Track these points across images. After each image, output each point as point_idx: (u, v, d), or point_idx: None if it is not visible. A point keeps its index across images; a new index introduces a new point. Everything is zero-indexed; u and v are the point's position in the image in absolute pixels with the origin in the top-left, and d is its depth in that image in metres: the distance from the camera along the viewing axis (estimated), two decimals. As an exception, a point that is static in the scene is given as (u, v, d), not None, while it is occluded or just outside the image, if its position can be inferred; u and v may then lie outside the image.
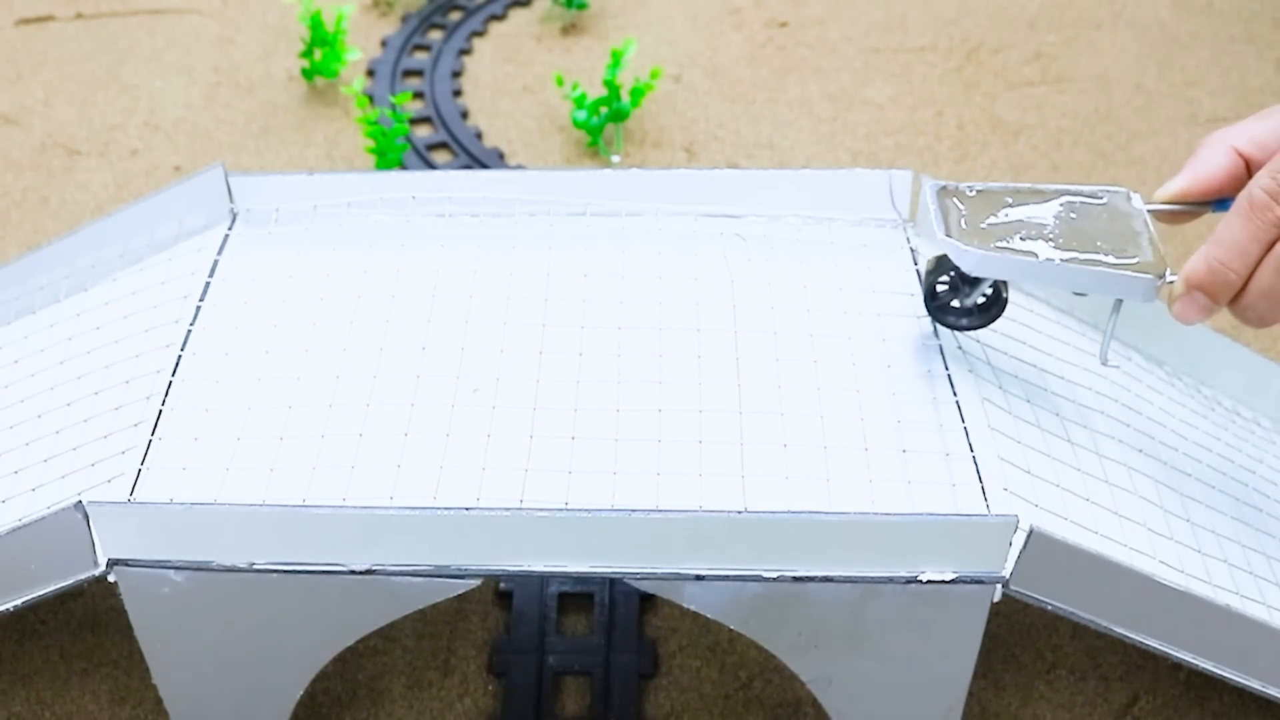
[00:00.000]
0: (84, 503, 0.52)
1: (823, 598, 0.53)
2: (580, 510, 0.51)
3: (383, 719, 0.67)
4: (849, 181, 0.69)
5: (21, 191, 1.04)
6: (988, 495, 0.54)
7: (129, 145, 1.09)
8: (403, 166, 1.04)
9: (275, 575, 0.53)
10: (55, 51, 1.21)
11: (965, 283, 0.60)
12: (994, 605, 0.53)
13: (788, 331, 0.61)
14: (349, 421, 0.57)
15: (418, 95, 1.15)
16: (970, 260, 0.57)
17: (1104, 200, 0.59)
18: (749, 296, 0.63)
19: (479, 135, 1.09)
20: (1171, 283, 0.55)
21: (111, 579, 0.53)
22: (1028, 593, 0.52)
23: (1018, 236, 0.57)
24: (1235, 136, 0.56)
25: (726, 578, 0.52)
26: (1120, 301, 0.58)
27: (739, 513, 0.51)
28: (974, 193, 0.59)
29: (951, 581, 0.52)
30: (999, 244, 0.57)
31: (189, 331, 0.62)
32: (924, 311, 0.63)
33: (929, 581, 0.52)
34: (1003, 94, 1.14)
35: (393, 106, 1.07)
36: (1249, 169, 0.55)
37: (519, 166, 1.06)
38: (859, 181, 0.69)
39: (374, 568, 0.53)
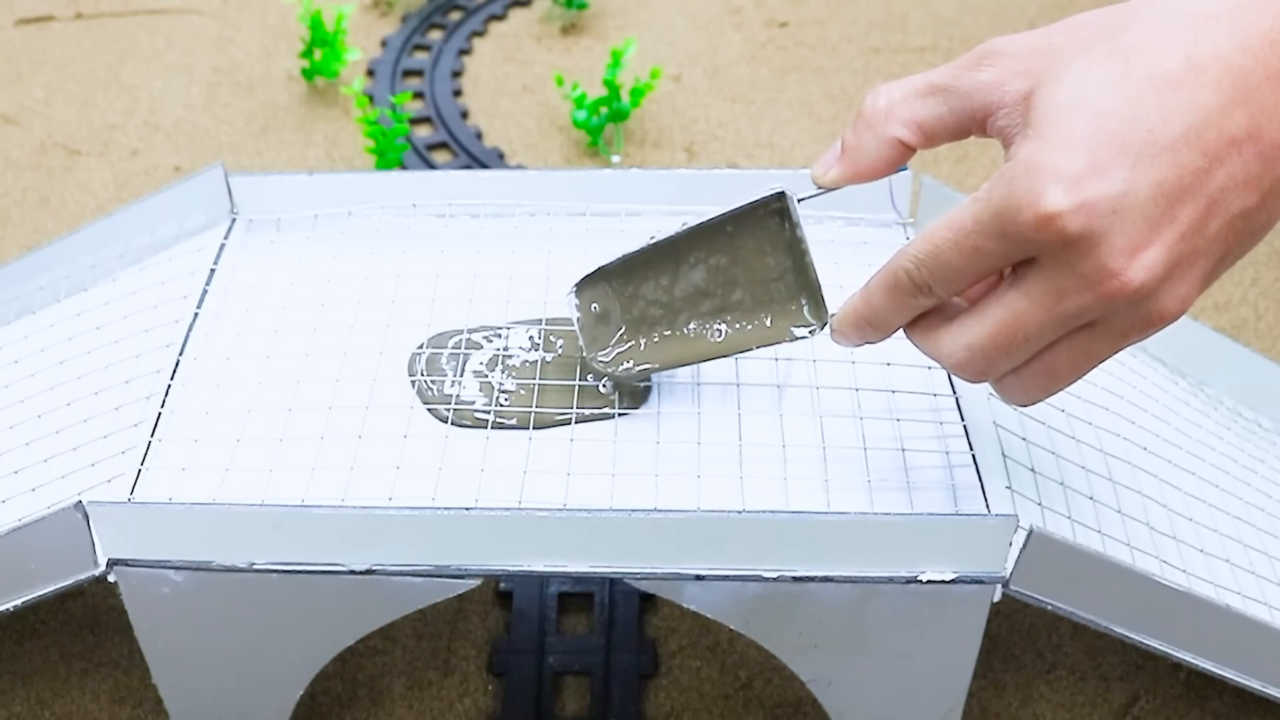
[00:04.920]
0: (84, 503, 0.51)
1: (823, 598, 0.53)
2: (580, 510, 0.51)
3: (383, 719, 0.67)
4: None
5: (21, 191, 1.04)
6: (988, 495, 0.54)
7: (129, 145, 1.09)
8: (403, 166, 1.04)
9: (275, 575, 0.53)
10: (55, 51, 1.21)
11: None
12: (994, 605, 0.53)
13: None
14: (348, 424, 0.57)
15: (418, 95, 1.15)
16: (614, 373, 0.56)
17: (753, 232, 0.53)
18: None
19: (479, 135, 1.09)
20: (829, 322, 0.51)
21: (111, 579, 0.53)
22: (1028, 593, 0.52)
23: (655, 326, 0.55)
24: (897, 123, 0.49)
25: (726, 578, 0.52)
26: None
27: (739, 513, 0.51)
28: (608, 281, 0.55)
29: (951, 581, 0.52)
30: (638, 342, 0.55)
31: (189, 333, 0.62)
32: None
33: (929, 581, 0.52)
34: (1003, 94, 1.14)
35: (393, 106, 1.07)
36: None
37: (519, 166, 1.06)
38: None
39: (374, 568, 0.53)
